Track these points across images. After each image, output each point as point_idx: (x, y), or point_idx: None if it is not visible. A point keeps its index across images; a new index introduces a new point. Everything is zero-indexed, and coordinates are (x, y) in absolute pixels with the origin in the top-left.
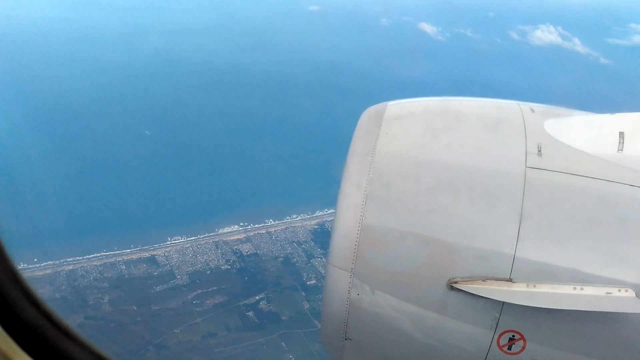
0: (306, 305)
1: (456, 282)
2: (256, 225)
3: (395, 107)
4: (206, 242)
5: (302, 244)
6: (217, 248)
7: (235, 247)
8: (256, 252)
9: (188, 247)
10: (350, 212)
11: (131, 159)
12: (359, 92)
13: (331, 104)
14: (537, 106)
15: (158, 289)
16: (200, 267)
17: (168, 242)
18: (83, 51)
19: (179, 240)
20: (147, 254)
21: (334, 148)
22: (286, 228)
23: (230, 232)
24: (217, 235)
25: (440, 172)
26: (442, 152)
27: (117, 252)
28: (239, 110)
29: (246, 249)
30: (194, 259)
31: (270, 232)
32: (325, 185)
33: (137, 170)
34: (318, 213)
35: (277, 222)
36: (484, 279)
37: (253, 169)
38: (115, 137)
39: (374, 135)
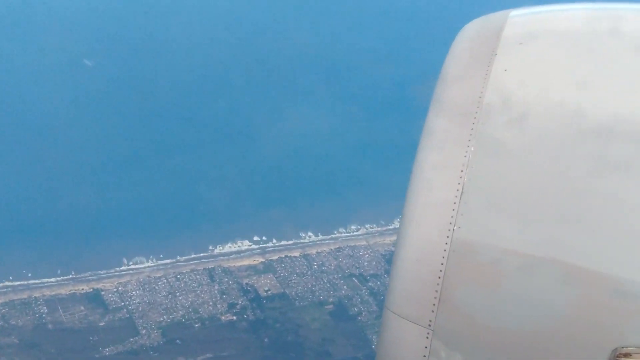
0: None
1: (628, 356)
2: (283, 243)
3: (520, 20)
4: (193, 270)
5: (368, 279)
6: (213, 281)
7: (246, 280)
8: (283, 292)
9: (159, 277)
10: (431, 216)
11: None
12: None
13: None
14: None
15: (106, 352)
16: (183, 316)
17: (123, 269)
18: None
19: (143, 265)
20: (86, 288)
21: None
22: (338, 249)
23: (235, 252)
24: (212, 258)
25: (603, 142)
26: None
27: (34, 281)
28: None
29: (265, 284)
30: (171, 301)
31: (308, 254)
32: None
33: (71, 142)
34: (398, 224)
35: (321, 237)
36: None
37: (271, 144)
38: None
39: (483, 70)
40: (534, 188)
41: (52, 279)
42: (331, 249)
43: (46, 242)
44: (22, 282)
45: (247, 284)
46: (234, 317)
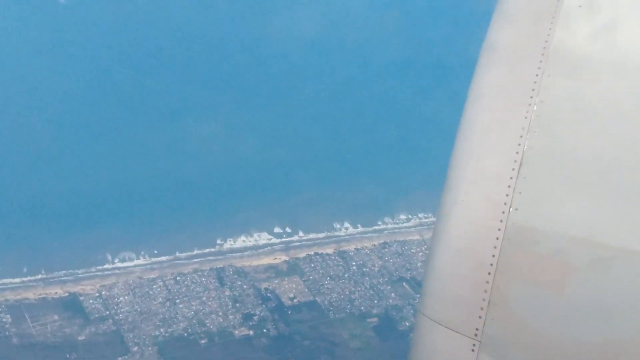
0: None
1: None
2: (312, 236)
3: None
4: (197, 271)
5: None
6: (223, 285)
7: (265, 284)
8: (313, 300)
9: (154, 279)
10: (480, 194)
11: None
12: None
13: None
14: None
15: None
16: (185, 330)
17: (107, 268)
18: None
19: (133, 263)
20: (59, 291)
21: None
22: (383, 245)
23: (251, 248)
24: (221, 255)
25: None
26: None
27: None
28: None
29: (290, 289)
30: (170, 310)
31: (344, 251)
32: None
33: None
34: None
35: (361, 229)
36: None
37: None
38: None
39: (552, 6)
40: (617, 158)
41: (17, 280)
42: (374, 245)
43: (8, 233)
44: None
45: (266, 289)
46: (251, 332)
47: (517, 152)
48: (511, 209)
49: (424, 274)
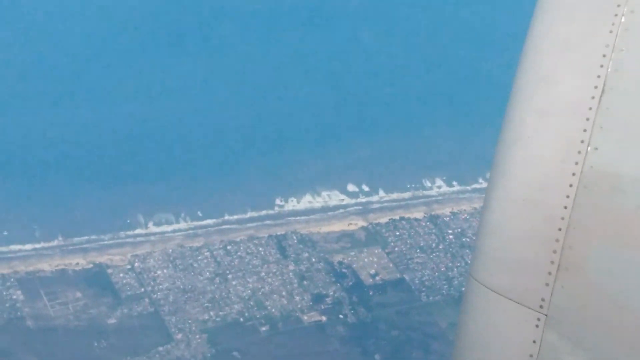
0: None
1: None
2: (396, 195)
3: None
4: (252, 238)
5: None
6: (286, 257)
7: (339, 256)
8: (401, 278)
9: (198, 249)
10: (550, 130)
11: None
12: None
13: None
14: None
15: None
16: (240, 314)
17: (139, 233)
18: None
19: (171, 228)
20: (82, 261)
21: None
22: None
23: (319, 210)
24: (281, 218)
25: None
26: None
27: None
28: None
29: (371, 263)
30: (221, 288)
31: (437, 216)
32: None
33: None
34: None
35: (457, 187)
36: None
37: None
38: None
39: None
40: None
41: (28, 246)
42: (475, 208)
43: (17, 187)
44: None
45: (340, 263)
46: (323, 318)
47: (599, 76)
48: (589, 148)
49: (477, 231)
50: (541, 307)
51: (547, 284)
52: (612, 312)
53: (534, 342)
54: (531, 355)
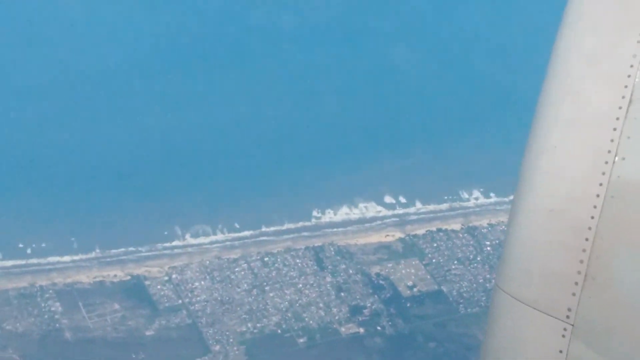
0: None
1: None
2: (434, 207)
3: None
4: (290, 250)
5: None
6: (323, 269)
7: (377, 268)
8: (439, 290)
9: (236, 260)
10: (578, 139)
11: None
12: None
13: None
14: None
15: None
16: (278, 325)
17: (177, 245)
18: None
19: (208, 240)
20: (120, 273)
21: None
22: None
23: (357, 222)
24: (319, 230)
25: None
26: None
27: (36, 261)
28: None
29: (408, 275)
30: (258, 300)
31: (475, 228)
32: None
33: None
34: None
35: (495, 198)
36: None
37: None
38: None
39: None
40: None
41: (66, 258)
42: None
43: (56, 199)
44: (17, 262)
45: (378, 274)
46: (360, 330)
47: (626, 86)
48: (616, 158)
49: (504, 241)
50: (568, 317)
51: (573, 294)
52: (639, 322)
53: (560, 352)
54: None
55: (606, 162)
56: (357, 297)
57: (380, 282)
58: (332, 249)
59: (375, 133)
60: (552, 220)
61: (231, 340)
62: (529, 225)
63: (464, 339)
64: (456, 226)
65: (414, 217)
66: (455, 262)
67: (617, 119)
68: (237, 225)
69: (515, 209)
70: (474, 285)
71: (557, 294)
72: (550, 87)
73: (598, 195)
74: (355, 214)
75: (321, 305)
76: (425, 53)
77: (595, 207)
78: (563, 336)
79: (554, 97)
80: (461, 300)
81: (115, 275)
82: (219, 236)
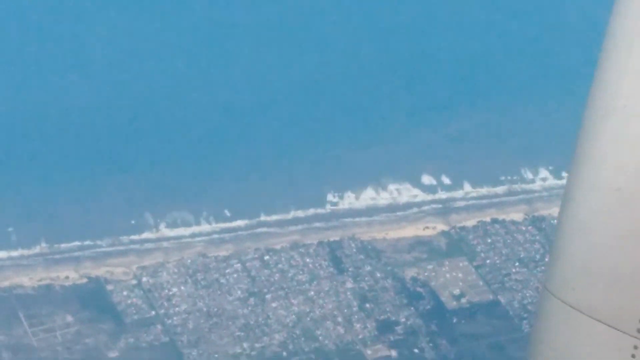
0: None
1: None
2: (485, 191)
3: None
4: (296, 246)
5: None
6: (342, 271)
7: (412, 270)
8: (494, 300)
9: (226, 258)
10: None
11: None
12: None
13: None
14: None
15: None
16: (283, 345)
17: (148, 238)
18: None
19: (189, 231)
20: (73, 274)
21: None
22: None
23: (385, 209)
24: (336, 219)
25: None
26: None
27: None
28: None
29: (454, 280)
30: (256, 311)
31: (541, 217)
32: None
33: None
34: None
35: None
36: None
37: None
38: None
39: None
40: None
41: (2, 254)
42: None
43: None
44: None
45: (414, 279)
46: (392, 353)
47: None
48: None
49: (554, 238)
50: (639, 330)
51: None
52: None
53: None
54: None
55: None
56: (387, 309)
57: (418, 289)
58: (353, 245)
59: (409, 94)
60: (619, 203)
61: None
62: (589, 211)
63: None
64: (517, 216)
65: (461, 204)
66: (517, 263)
67: None
68: (227, 213)
69: (570, 190)
70: None
71: (627, 301)
72: (617, 30)
73: None
74: (383, 198)
75: (340, 319)
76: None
77: None
78: (633, 356)
79: (623, 42)
80: (525, 315)
81: (66, 277)
82: (204, 227)
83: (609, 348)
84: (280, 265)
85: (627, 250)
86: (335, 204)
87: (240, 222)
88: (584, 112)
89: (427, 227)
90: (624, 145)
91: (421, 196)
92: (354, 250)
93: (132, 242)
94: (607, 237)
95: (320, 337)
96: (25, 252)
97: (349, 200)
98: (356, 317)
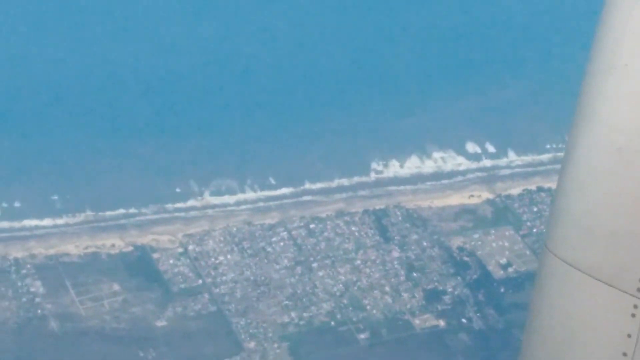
0: None
1: None
2: (531, 158)
3: None
4: (341, 214)
5: None
6: (388, 240)
7: (458, 240)
8: None
9: (272, 226)
10: None
11: None
12: None
13: None
14: None
15: None
16: (331, 315)
17: (193, 206)
18: None
19: (233, 199)
20: (119, 242)
21: None
22: None
23: (431, 177)
24: (380, 187)
25: None
26: None
27: (6, 225)
28: None
29: (502, 249)
30: (303, 280)
31: None
32: None
33: None
34: None
35: None
36: None
37: None
38: None
39: None
40: None
41: (47, 221)
42: None
43: (30, 144)
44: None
45: (461, 248)
46: (440, 323)
47: None
48: None
49: (554, 195)
50: (639, 290)
51: None
52: None
53: (629, 336)
54: (625, 354)
55: None
56: (434, 278)
57: (464, 258)
58: (398, 213)
59: (454, 62)
60: (621, 162)
61: (270, 334)
62: (590, 170)
63: None
64: None
65: (507, 172)
66: None
67: None
68: (272, 181)
69: (571, 148)
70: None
71: (627, 260)
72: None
73: None
74: (428, 166)
75: (387, 289)
76: None
77: None
78: (633, 315)
79: (624, 0)
80: None
81: (112, 245)
82: (249, 194)
83: (609, 307)
84: (326, 234)
85: (627, 210)
86: (379, 172)
87: (285, 190)
88: (586, 69)
89: (472, 196)
90: (625, 105)
91: (466, 164)
92: (400, 218)
93: (177, 209)
94: (608, 196)
95: (367, 307)
96: (71, 219)
97: (393, 169)
98: (404, 286)
